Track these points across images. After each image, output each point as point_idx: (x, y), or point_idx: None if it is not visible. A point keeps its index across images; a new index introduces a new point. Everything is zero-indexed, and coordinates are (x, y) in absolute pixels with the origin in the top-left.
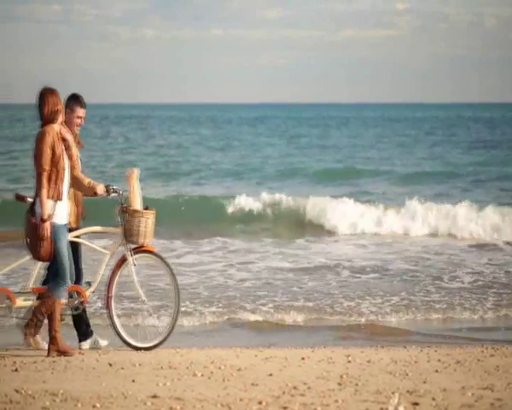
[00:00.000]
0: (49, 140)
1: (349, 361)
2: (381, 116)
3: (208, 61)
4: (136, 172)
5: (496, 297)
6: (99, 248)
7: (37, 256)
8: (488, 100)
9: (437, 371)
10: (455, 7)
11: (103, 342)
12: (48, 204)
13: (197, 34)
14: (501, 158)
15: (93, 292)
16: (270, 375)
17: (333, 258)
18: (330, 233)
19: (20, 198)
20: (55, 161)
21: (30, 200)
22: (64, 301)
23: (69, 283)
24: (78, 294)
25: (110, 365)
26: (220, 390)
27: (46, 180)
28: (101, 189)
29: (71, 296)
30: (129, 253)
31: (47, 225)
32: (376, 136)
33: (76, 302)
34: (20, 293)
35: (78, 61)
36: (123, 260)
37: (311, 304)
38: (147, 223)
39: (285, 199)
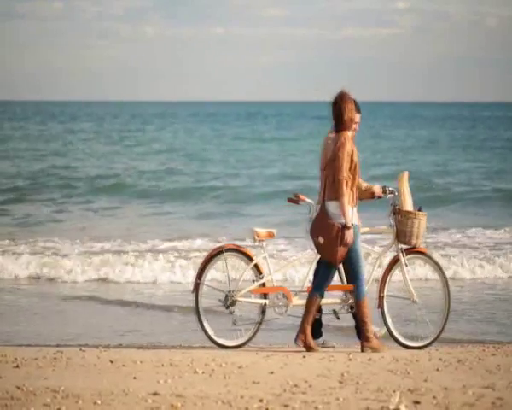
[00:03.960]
0: (349, 148)
1: (350, 359)
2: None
3: (209, 60)
4: (406, 175)
5: None
6: (370, 248)
7: (330, 258)
8: (489, 99)
9: (438, 369)
10: (455, 5)
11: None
12: (350, 211)
13: (198, 32)
14: None
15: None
16: (272, 373)
17: None
18: None
19: (295, 201)
20: (351, 169)
21: (309, 201)
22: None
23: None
24: (351, 293)
25: (111, 362)
26: (221, 388)
27: (347, 187)
28: (378, 189)
29: (345, 296)
30: (401, 253)
31: (352, 232)
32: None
33: (350, 301)
34: (295, 292)
35: (79, 58)
36: (395, 261)
37: None
38: (419, 224)
39: None
